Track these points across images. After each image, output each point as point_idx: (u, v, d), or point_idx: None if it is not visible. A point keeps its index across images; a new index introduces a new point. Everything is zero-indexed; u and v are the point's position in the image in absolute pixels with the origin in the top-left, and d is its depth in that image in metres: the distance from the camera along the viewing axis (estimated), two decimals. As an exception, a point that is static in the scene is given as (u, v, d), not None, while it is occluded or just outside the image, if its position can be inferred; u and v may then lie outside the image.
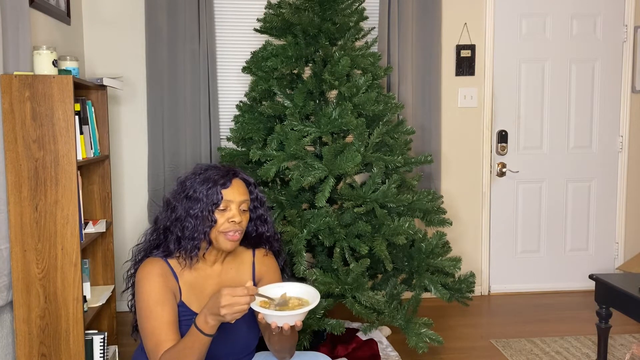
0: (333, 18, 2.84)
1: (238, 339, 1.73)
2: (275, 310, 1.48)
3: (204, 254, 1.71)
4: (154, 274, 1.63)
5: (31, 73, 2.23)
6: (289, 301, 1.54)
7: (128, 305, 1.81)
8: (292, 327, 1.48)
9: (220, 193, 1.66)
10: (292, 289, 1.58)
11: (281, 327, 1.46)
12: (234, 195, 1.68)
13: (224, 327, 1.66)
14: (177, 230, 1.68)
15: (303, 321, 2.51)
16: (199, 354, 1.48)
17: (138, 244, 1.79)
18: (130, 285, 1.80)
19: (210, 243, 1.68)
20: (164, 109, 3.49)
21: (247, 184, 1.76)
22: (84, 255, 2.81)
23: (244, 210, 1.71)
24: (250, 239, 1.82)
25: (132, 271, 1.78)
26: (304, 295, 1.56)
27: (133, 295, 1.77)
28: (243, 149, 3.00)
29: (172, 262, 1.70)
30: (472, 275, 2.90)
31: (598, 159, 4.03)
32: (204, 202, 1.65)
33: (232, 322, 1.43)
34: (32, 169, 2.19)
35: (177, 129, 3.50)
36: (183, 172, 1.81)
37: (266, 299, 1.52)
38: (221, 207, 1.66)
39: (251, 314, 1.73)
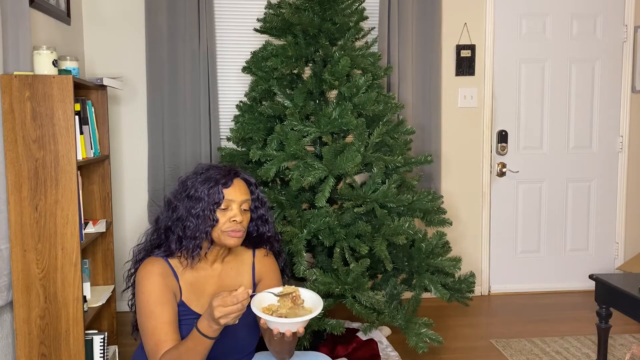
0: (333, 18, 2.84)
1: (238, 339, 1.73)
2: (278, 314, 1.48)
3: (206, 253, 1.71)
4: (154, 273, 1.63)
5: (31, 73, 2.23)
6: (291, 299, 1.54)
7: (128, 305, 1.81)
8: (295, 333, 1.48)
9: (222, 192, 1.66)
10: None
11: (283, 333, 1.46)
12: (235, 195, 1.68)
13: (224, 328, 1.66)
14: (178, 230, 1.68)
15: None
16: (201, 357, 1.49)
17: (139, 244, 1.79)
18: (130, 284, 1.80)
19: (212, 242, 1.69)
20: (164, 109, 3.49)
21: (248, 184, 1.76)
22: (84, 255, 2.81)
23: (244, 210, 1.71)
24: (251, 239, 1.82)
25: (133, 270, 1.78)
26: (307, 302, 1.56)
27: (133, 294, 1.77)
28: (243, 149, 3.00)
29: (173, 261, 1.70)
30: (472, 275, 2.90)
31: (598, 159, 4.03)
32: (205, 202, 1.65)
33: (237, 322, 1.45)
34: (32, 169, 2.19)
35: (177, 129, 3.50)
36: (183, 172, 1.81)
37: (267, 305, 1.52)
38: (222, 206, 1.66)
39: (251, 315, 1.73)
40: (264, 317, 1.44)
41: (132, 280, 1.79)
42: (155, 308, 1.58)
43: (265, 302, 1.53)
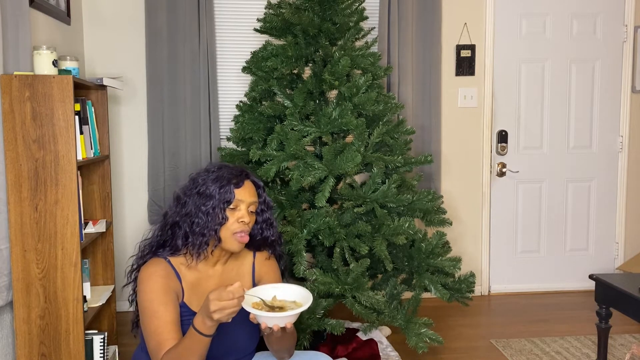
0: (333, 18, 2.84)
1: (238, 339, 1.73)
2: (266, 310, 1.49)
3: (212, 251, 1.72)
4: (157, 274, 1.64)
5: (31, 73, 2.23)
6: (280, 303, 1.54)
7: (129, 300, 1.81)
8: (284, 329, 1.49)
9: (233, 192, 1.68)
10: (286, 290, 1.59)
11: (272, 328, 1.46)
12: (245, 196, 1.69)
13: (223, 328, 1.67)
14: (186, 225, 1.69)
15: (303, 321, 2.52)
16: (200, 354, 1.49)
17: (145, 239, 1.79)
18: (132, 280, 1.80)
19: (219, 241, 1.69)
20: (164, 109, 3.49)
21: (257, 186, 1.78)
22: (84, 255, 2.81)
23: (251, 211, 1.72)
24: (254, 242, 1.82)
25: (135, 266, 1.78)
26: (297, 297, 1.56)
27: (134, 290, 1.77)
28: (243, 149, 3.00)
29: (175, 263, 1.70)
30: (472, 275, 2.90)
31: (598, 159, 4.03)
32: (216, 199, 1.66)
33: (230, 320, 1.45)
34: (32, 169, 2.19)
35: (177, 129, 3.50)
36: (183, 173, 1.82)
37: (258, 300, 1.52)
38: (232, 205, 1.67)
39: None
40: (252, 311, 1.45)
41: (133, 276, 1.79)
42: (159, 307, 1.59)
43: (253, 299, 1.54)
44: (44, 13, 2.75)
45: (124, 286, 1.85)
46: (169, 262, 1.69)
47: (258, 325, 1.74)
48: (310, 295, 1.54)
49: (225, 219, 1.66)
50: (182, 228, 1.69)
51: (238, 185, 1.69)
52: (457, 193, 3.91)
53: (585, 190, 4.05)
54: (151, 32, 3.44)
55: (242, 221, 1.67)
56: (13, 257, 2.21)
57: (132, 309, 1.79)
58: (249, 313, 1.71)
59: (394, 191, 2.67)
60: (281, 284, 1.61)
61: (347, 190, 2.69)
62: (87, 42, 3.50)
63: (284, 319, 1.45)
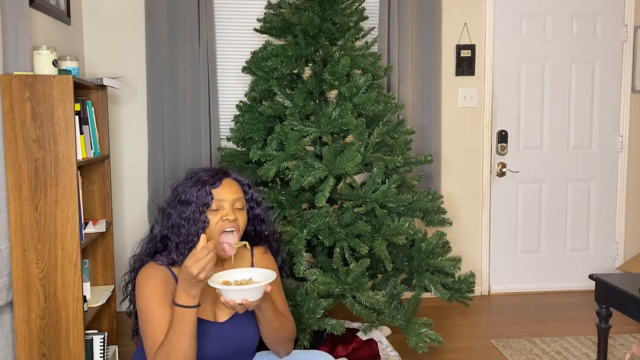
0: (333, 18, 2.84)
1: (238, 340, 1.73)
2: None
3: None
4: (154, 277, 1.64)
5: (31, 73, 2.23)
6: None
7: (127, 313, 1.81)
8: (241, 305, 1.51)
9: (211, 193, 1.67)
10: (260, 273, 1.62)
11: (233, 304, 1.51)
12: (225, 194, 1.68)
13: (224, 328, 1.67)
14: (174, 237, 1.68)
15: (303, 321, 2.52)
16: (191, 333, 1.51)
17: (134, 255, 1.79)
18: (127, 294, 1.80)
19: None
20: (164, 109, 3.49)
21: (241, 184, 1.77)
22: (84, 255, 2.81)
23: (239, 208, 1.71)
24: (250, 238, 1.82)
25: (129, 279, 1.78)
26: (261, 277, 1.60)
27: (131, 301, 1.77)
28: (243, 149, 3.00)
29: (174, 268, 1.70)
30: (472, 275, 2.90)
31: (598, 159, 4.03)
32: (195, 204, 1.66)
33: (212, 274, 1.52)
34: (32, 169, 2.19)
35: (177, 129, 3.50)
36: (184, 172, 1.82)
37: (224, 281, 1.58)
38: (213, 207, 1.66)
39: (251, 315, 1.73)
40: (211, 284, 1.51)
41: (129, 290, 1.79)
42: (157, 310, 1.59)
43: (224, 277, 1.59)
44: (44, 13, 2.75)
45: (122, 301, 1.85)
46: (168, 267, 1.69)
47: (257, 326, 1.75)
48: (274, 273, 1.59)
49: (206, 222, 1.66)
50: (172, 240, 1.69)
51: (215, 185, 1.68)
52: (457, 193, 3.91)
53: (585, 190, 4.05)
54: (151, 32, 3.44)
55: (226, 219, 1.66)
56: (13, 257, 2.21)
57: (131, 314, 1.79)
58: (249, 314, 1.71)
59: (394, 191, 2.67)
60: (258, 269, 1.65)
61: (347, 190, 2.69)
62: (87, 42, 3.50)
63: (238, 293, 1.49)
